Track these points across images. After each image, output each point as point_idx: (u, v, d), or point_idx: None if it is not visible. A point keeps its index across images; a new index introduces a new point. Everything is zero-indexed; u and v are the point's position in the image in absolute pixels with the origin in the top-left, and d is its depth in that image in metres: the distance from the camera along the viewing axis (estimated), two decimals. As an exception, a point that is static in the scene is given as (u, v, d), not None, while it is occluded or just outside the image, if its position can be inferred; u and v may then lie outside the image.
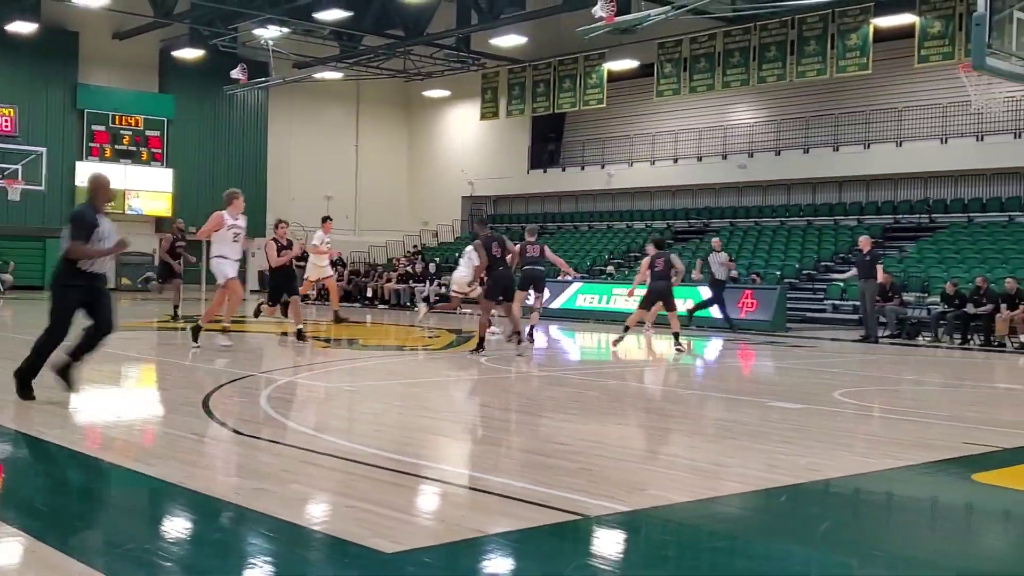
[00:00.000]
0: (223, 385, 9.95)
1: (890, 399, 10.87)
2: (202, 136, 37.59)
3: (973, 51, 9.59)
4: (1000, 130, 26.76)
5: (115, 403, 9.07)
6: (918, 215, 28.77)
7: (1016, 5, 10.03)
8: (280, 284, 16.33)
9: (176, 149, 36.83)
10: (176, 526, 5.12)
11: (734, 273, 21.32)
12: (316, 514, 5.28)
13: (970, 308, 19.87)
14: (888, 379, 12.15)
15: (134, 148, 36.28)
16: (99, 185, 8.39)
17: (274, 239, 16.17)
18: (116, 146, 35.90)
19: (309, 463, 6.43)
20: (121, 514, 5.43)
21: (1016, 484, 6.51)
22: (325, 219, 19.38)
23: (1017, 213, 26.86)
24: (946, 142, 27.98)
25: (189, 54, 34.64)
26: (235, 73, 32.82)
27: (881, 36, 26.77)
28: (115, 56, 35.85)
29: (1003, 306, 19.19)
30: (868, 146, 29.47)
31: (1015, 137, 26.76)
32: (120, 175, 33.82)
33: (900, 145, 28.88)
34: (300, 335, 15.37)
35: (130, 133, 36.27)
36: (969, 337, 19.89)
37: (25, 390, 8.19)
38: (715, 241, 23.36)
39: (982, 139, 27.29)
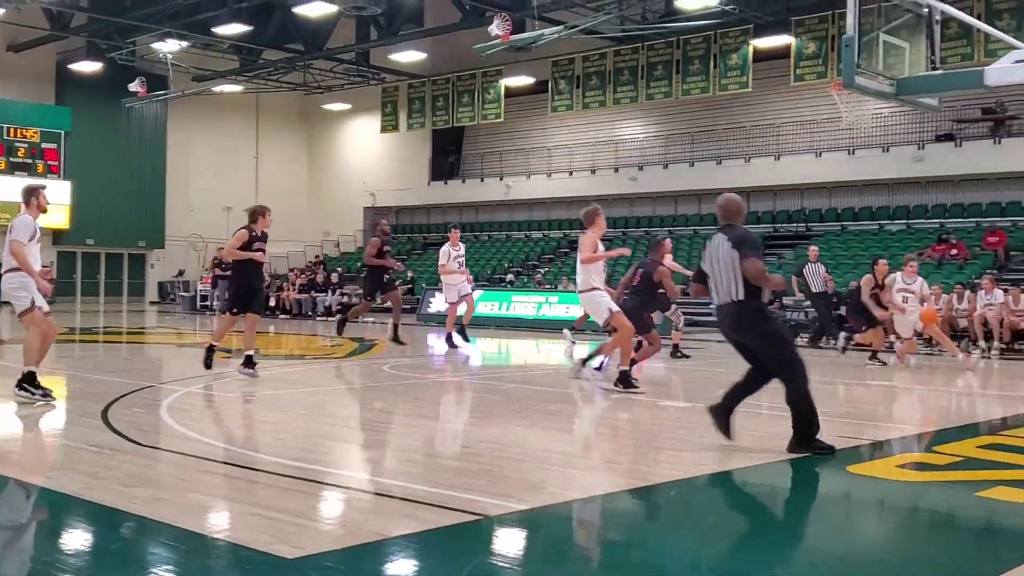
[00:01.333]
0: (123, 396, 9.79)
1: (773, 397, 11.12)
2: (100, 148, 37.19)
3: (843, 70, 9.85)
4: (869, 144, 28.37)
5: (13, 416, 8.75)
6: (795, 224, 30.29)
7: (883, 28, 10.70)
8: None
9: (74, 162, 36.49)
10: (75, 538, 5.07)
11: (831, 285, 19.72)
12: (217, 522, 5.26)
13: (844, 311, 21.20)
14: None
15: (30, 160, 35.66)
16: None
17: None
18: (11, 159, 35.23)
19: (209, 472, 6.41)
20: (19, 527, 5.34)
21: (886, 474, 6.80)
22: (452, 227, 17.65)
23: (886, 221, 28.55)
24: (820, 156, 29.47)
25: (87, 67, 34.36)
26: (133, 86, 32.73)
27: (760, 56, 28.10)
28: (10, 68, 35.40)
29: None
30: (749, 160, 30.80)
31: (883, 151, 28.36)
32: (15, 188, 33.48)
33: (778, 159, 30.28)
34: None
35: (25, 146, 35.66)
36: (835, 338, 21.04)
37: None
38: (812, 250, 20.10)
39: (853, 153, 28.85)
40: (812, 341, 19.70)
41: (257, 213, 12.13)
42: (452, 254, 16.58)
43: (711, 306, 7.39)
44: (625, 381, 10.80)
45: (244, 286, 11.87)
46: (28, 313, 9.11)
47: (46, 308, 9.33)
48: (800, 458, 7.24)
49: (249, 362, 11.68)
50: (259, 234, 11.95)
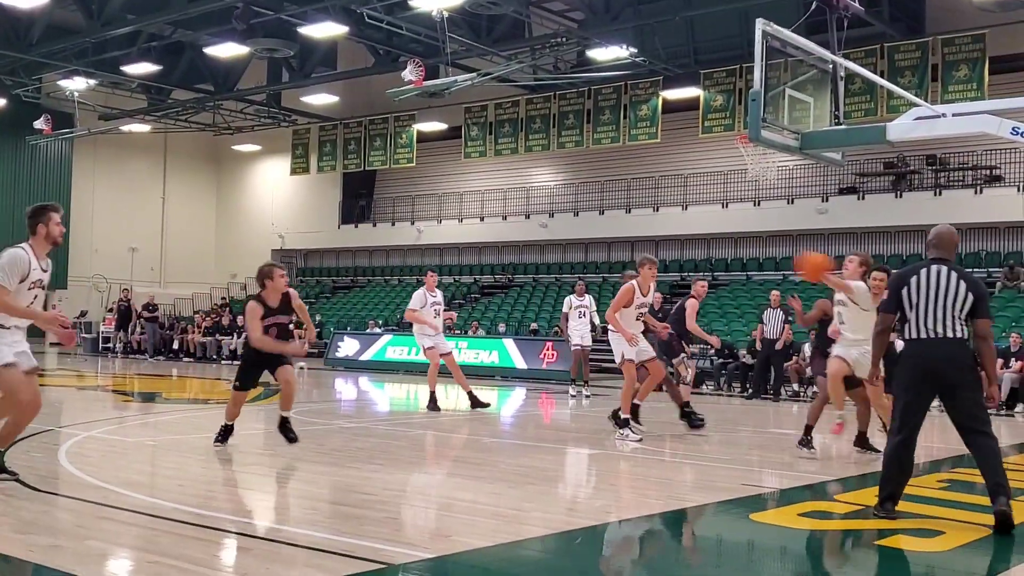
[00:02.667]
0: (21, 440, 9.19)
1: (678, 444, 11.09)
2: (2, 186, 36.38)
3: (750, 124, 9.90)
4: (775, 196, 28.97)
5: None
6: (702, 272, 30.76)
7: (789, 83, 10.89)
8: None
9: (-25, 199, 35.67)
10: None
11: (788, 335, 19.37)
12: (114, 570, 5.18)
13: (747, 359, 21.53)
14: (677, 425, 12.20)
15: (-71, 197, 34.95)
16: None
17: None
18: (-93, 194, 34.49)
19: (108, 518, 6.25)
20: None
21: (788, 522, 6.85)
22: (429, 270, 16.71)
23: (788, 272, 29.11)
24: (727, 207, 29.99)
25: (-10, 103, 33.71)
26: (39, 123, 32.08)
27: (669, 108, 28.62)
28: (-90, 102, 34.56)
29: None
30: (657, 209, 31.21)
31: (788, 203, 28.98)
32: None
33: (686, 208, 30.75)
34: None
35: (-75, 181, 34.95)
36: (748, 386, 20.99)
37: None
38: (774, 295, 20.10)
39: (759, 204, 29.44)
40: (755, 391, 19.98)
41: (264, 277, 9.40)
42: (429, 299, 15.17)
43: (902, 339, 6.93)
44: (619, 420, 11.14)
45: (252, 361, 9.66)
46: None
47: (30, 365, 7.05)
48: (705, 505, 7.26)
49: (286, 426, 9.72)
50: (275, 307, 9.37)
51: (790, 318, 18.77)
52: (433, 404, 14.56)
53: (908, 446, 6.82)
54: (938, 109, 10.46)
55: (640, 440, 10.83)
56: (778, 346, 19.47)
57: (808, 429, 10.11)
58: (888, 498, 6.82)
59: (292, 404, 9.58)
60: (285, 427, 9.58)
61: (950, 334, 6.72)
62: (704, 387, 21.64)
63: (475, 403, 14.77)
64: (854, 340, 9.65)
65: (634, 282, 11.16)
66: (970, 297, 6.73)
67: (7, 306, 6.75)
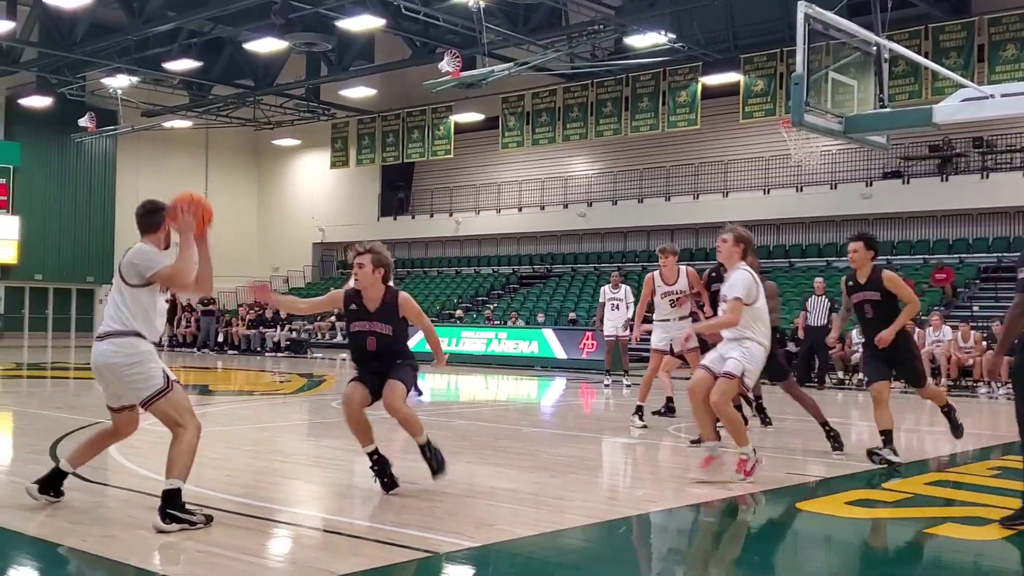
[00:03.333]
0: (72, 432, 9.56)
1: (720, 434, 11.27)
2: (50, 183, 37.00)
3: (792, 108, 9.81)
4: (818, 181, 28.71)
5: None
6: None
7: (831, 66, 10.70)
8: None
9: (23, 196, 36.15)
10: (22, 575, 5.02)
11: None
12: (166, 559, 5.21)
13: (791, 347, 21.35)
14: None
15: (-21, 196, 35.58)
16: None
17: None
18: (-40, 194, 35.13)
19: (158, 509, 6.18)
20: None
21: (835, 511, 6.74)
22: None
23: (833, 258, 28.82)
24: (768, 193, 29.79)
25: (37, 102, 34.08)
26: (83, 121, 32.52)
27: (709, 93, 28.40)
28: (-41, 104, 35.16)
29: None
30: (697, 196, 31.07)
31: (831, 188, 28.73)
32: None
33: (726, 196, 30.57)
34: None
35: (-26, 181, 35.54)
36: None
37: None
38: (818, 283, 19.91)
39: (801, 190, 29.19)
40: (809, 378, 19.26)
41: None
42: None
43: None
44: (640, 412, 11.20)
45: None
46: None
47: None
48: (751, 494, 7.19)
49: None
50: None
51: (836, 306, 18.48)
52: None
53: None
54: (985, 90, 10.30)
55: (644, 428, 11.05)
56: (832, 339, 18.88)
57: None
58: None
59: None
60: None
61: None
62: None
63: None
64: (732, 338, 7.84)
65: (653, 272, 11.26)
66: None
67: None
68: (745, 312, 7.59)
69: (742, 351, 7.61)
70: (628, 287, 18.57)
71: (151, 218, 6.21)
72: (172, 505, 5.62)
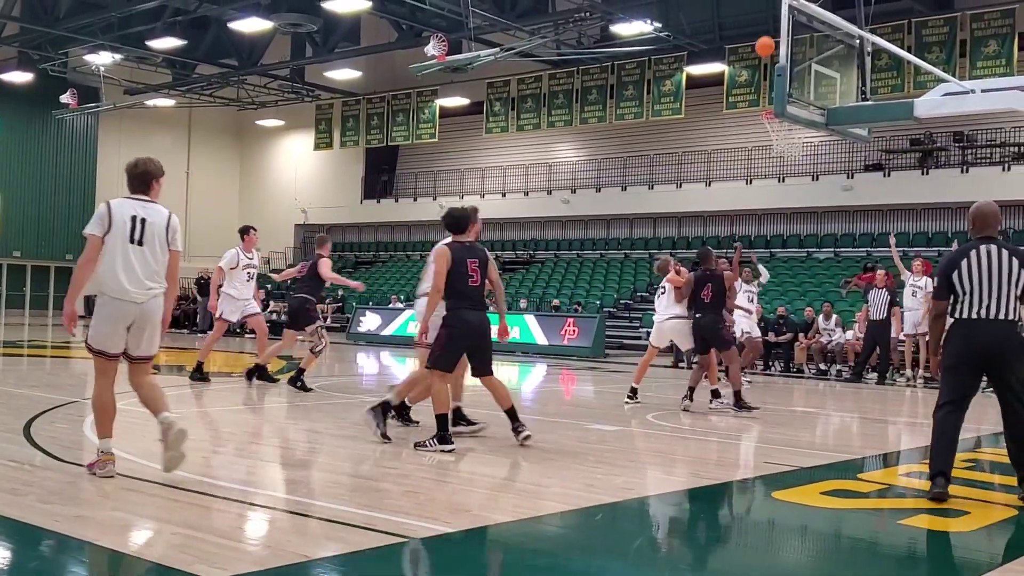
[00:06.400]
0: (46, 411, 9.60)
1: (699, 421, 11.04)
2: (30, 160, 36.82)
3: (775, 99, 9.69)
4: (800, 173, 28.85)
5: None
6: (725, 250, 30.64)
7: (815, 58, 10.74)
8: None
9: (1, 173, 35.95)
10: None
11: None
12: (138, 541, 5.20)
13: (771, 337, 21.40)
14: (698, 403, 11.91)
15: (-42, 171, 35.35)
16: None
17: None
18: (-62, 168, 34.86)
19: (132, 490, 6.25)
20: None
21: (810, 501, 6.76)
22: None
23: (814, 249, 29.00)
24: (751, 183, 29.88)
25: (18, 77, 33.89)
26: (65, 98, 32.30)
27: (693, 83, 28.49)
28: (-63, 78, 34.81)
29: (801, 335, 20.37)
30: (680, 185, 31.17)
31: (813, 180, 28.84)
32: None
33: (709, 185, 30.65)
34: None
35: (-47, 156, 35.30)
36: (771, 364, 20.87)
37: None
38: (880, 274, 18.57)
39: (783, 181, 29.32)
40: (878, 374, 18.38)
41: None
42: (242, 261, 13.83)
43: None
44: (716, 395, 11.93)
45: None
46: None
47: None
48: (727, 483, 7.24)
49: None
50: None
51: (897, 299, 18.00)
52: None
53: (952, 418, 6.68)
54: (967, 85, 10.33)
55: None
56: (902, 333, 18.14)
57: None
58: (939, 474, 6.64)
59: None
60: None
61: (1002, 315, 6.57)
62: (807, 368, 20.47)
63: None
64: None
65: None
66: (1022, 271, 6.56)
67: None
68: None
69: None
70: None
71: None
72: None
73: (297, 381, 12.69)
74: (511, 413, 8.63)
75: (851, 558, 5.69)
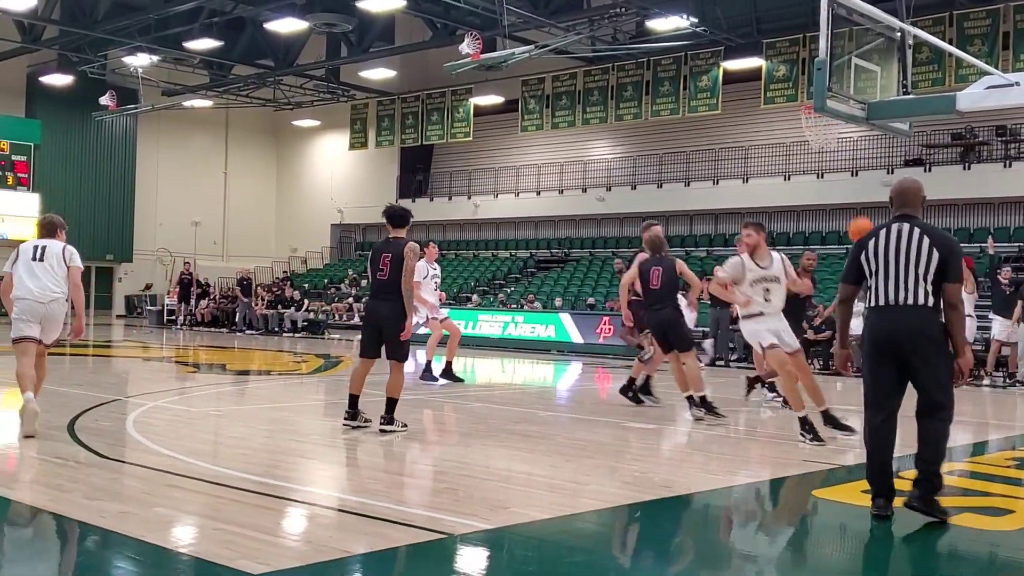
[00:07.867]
0: (90, 409, 9.76)
1: (738, 420, 11.00)
2: (70, 161, 37.16)
3: (815, 94, 9.47)
4: (838, 168, 28.57)
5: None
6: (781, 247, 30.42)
7: (854, 52, 10.67)
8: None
9: (43, 174, 36.27)
10: (39, 551, 5.09)
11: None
12: (182, 536, 5.27)
13: (810, 335, 21.25)
14: (733, 400, 11.95)
15: (0, 173, 35.70)
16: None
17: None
18: (-20, 171, 35.27)
19: (174, 486, 6.37)
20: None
21: (850, 499, 6.69)
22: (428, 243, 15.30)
23: (853, 246, 28.69)
24: (789, 179, 29.57)
25: (57, 80, 34.25)
26: (104, 99, 32.69)
27: (730, 78, 28.27)
28: (-20, 81, 35.26)
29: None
30: (717, 182, 30.94)
31: (852, 175, 28.53)
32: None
33: (746, 181, 30.40)
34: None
35: (-5, 158, 35.68)
36: (810, 361, 21.08)
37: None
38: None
39: (822, 177, 29.04)
40: None
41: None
42: (429, 272, 14.09)
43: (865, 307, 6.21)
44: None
45: None
46: None
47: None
48: (766, 480, 7.19)
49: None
50: None
51: None
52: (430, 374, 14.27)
53: (878, 427, 6.07)
54: (1010, 78, 10.16)
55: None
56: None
57: None
58: (879, 496, 6.06)
59: None
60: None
61: (911, 300, 5.88)
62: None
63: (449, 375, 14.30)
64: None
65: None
66: (936, 256, 5.87)
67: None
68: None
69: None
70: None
71: None
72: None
73: (628, 391, 11.87)
74: (390, 403, 9.04)
75: (895, 556, 5.65)
